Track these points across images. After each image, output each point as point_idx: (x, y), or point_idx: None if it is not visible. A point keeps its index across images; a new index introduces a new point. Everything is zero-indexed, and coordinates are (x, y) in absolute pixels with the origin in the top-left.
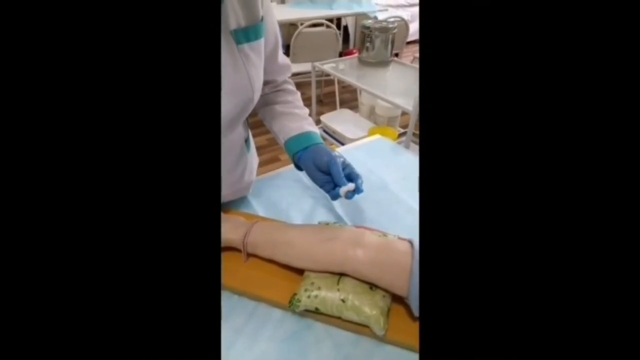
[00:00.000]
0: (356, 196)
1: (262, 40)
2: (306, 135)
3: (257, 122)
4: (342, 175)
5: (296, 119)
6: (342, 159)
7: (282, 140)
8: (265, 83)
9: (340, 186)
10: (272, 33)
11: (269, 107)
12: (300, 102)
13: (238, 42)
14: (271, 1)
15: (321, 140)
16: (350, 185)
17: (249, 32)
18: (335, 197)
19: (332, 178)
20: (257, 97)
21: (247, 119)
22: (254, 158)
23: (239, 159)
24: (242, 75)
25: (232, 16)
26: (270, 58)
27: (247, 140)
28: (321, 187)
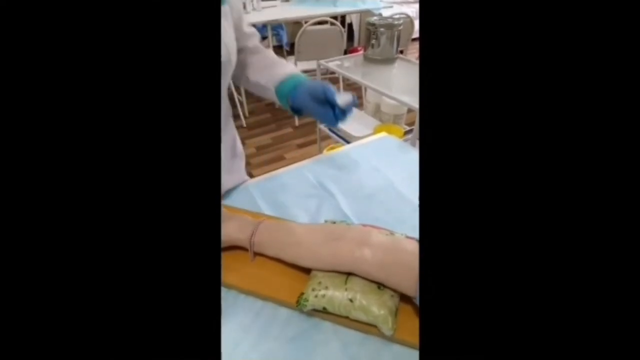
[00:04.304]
0: (362, 195)
1: (227, 7)
2: (293, 77)
3: (259, 121)
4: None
5: (278, 67)
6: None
7: (272, 89)
8: (239, 51)
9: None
10: (235, 4)
11: (248, 68)
12: (275, 56)
13: None
14: None
15: (308, 79)
16: (346, 95)
17: None
18: (339, 118)
19: (329, 100)
20: (233, 60)
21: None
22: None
23: (224, 130)
24: None
25: None
26: (237, 26)
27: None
28: (323, 119)
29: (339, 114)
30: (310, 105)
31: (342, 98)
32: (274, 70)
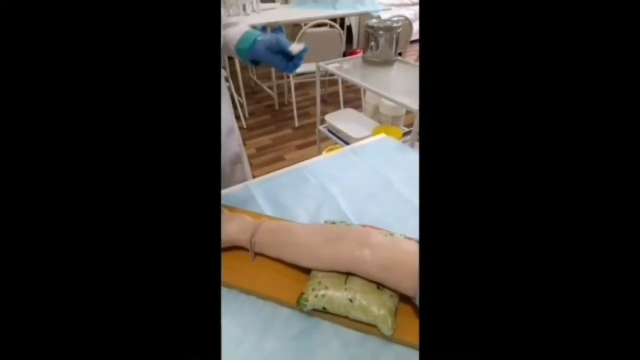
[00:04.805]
0: (361, 196)
1: None
2: (249, 34)
3: (259, 123)
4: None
5: (233, 27)
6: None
7: (231, 48)
8: None
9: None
10: None
11: None
12: (227, 17)
13: None
14: (274, 1)
15: (260, 33)
16: (298, 45)
17: None
18: (297, 64)
19: (284, 50)
20: None
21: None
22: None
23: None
24: None
25: None
26: None
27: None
28: (280, 66)
29: (297, 61)
30: (268, 56)
31: (295, 47)
32: (233, 31)
